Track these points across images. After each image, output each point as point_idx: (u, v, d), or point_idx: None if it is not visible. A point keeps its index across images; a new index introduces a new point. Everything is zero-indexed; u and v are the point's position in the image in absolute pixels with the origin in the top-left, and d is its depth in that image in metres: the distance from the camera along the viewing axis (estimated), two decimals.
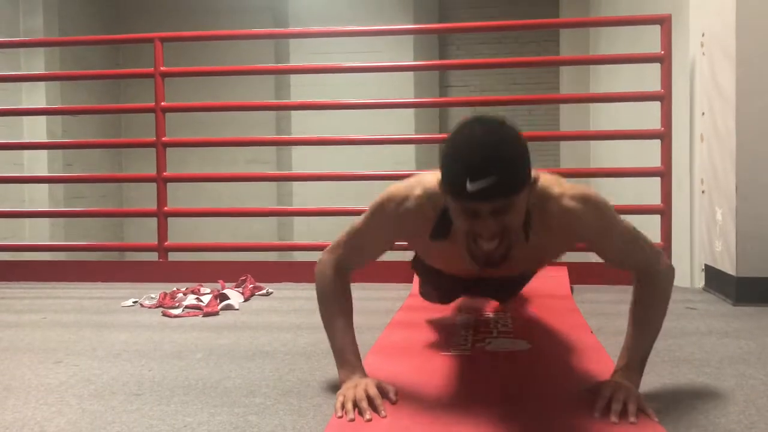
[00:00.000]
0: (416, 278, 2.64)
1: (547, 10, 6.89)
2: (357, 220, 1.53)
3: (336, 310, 1.49)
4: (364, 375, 1.42)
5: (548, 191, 1.41)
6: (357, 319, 1.51)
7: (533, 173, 1.32)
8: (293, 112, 7.22)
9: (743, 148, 2.48)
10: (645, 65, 3.49)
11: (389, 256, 3.08)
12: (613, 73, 4.98)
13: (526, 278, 1.96)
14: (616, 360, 1.43)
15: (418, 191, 1.44)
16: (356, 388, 1.35)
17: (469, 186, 1.21)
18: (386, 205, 1.47)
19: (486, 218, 1.26)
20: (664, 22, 3.04)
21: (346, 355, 1.45)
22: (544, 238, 1.44)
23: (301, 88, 6.99)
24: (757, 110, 2.47)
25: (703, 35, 2.90)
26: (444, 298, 2.08)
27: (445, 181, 1.28)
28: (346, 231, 1.54)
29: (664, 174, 3.04)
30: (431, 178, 1.42)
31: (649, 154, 3.28)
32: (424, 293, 2.15)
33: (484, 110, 8.00)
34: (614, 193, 4.88)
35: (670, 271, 1.48)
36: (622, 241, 1.45)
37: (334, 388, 1.46)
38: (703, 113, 2.90)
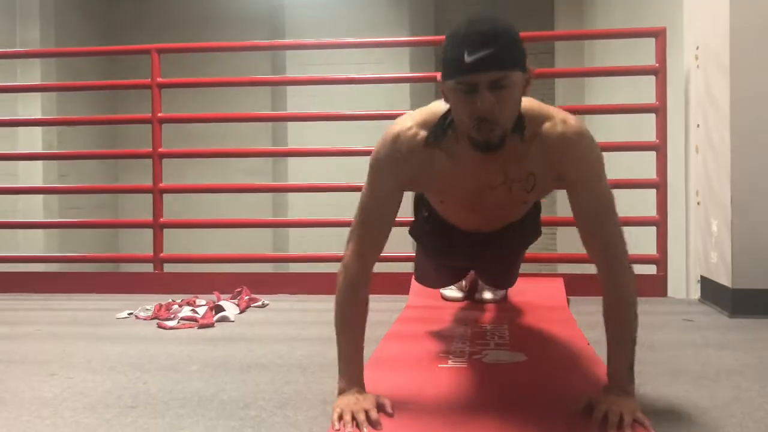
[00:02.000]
0: (413, 288, 2.65)
1: (542, 22, 6.93)
2: (362, 191, 1.54)
3: (349, 319, 1.47)
4: (362, 388, 1.41)
5: (549, 113, 1.47)
6: None
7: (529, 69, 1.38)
8: (289, 124, 7.23)
9: (738, 160, 2.49)
10: (640, 77, 3.51)
11: (384, 267, 3.08)
12: (608, 85, 5.01)
13: (525, 234, 1.93)
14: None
15: (406, 124, 1.50)
16: (355, 404, 1.34)
17: (467, 58, 1.28)
18: (383, 150, 1.50)
19: (483, 92, 1.31)
20: (658, 34, 3.06)
21: (349, 366, 1.44)
22: (538, 162, 1.47)
23: (297, 99, 7.00)
24: (751, 122, 2.49)
25: (697, 48, 2.92)
26: (441, 276, 2.08)
27: (444, 64, 1.36)
28: (357, 209, 1.53)
29: (660, 186, 3.05)
30: (414, 112, 1.53)
31: (644, 165, 3.29)
32: (421, 276, 2.15)
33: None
34: None
35: (632, 270, 1.48)
36: (599, 201, 1.45)
37: (331, 400, 1.46)
38: (698, 125, 2.92)
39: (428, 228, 1.90)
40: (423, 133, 1.48)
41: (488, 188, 1.54)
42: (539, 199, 1.73)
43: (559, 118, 1.46)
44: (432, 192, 1.70)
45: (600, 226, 1.46)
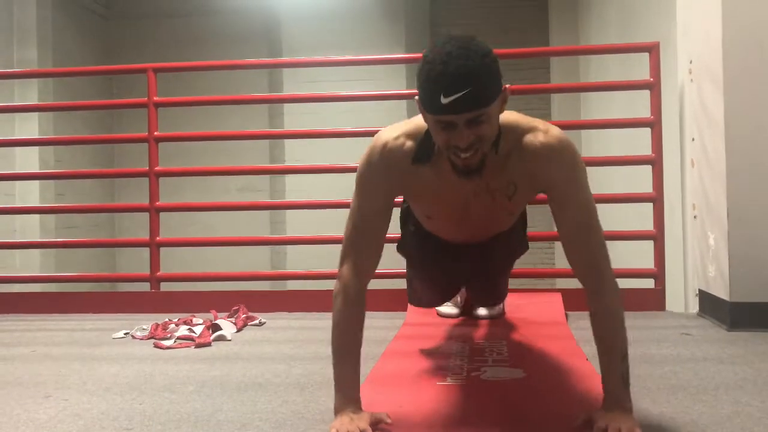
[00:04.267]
0: (410, 306, 2.64)
1: (538, 37, 6.98)
2: (351, 207, 1.54)
3: (347, 340, 1.48)
4: (358, 408, 1.40)
5: (531, 125, 1.48)
6: None
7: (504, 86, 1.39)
8: (287, 141, 7.25)
9: (733, 173, 2.50)
10: (635, 92, 3.52)
11: (382, 284, 3.06)
12: (603, 99, 5.03)
13: (512, 246, 1.96)
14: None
15: (393, 133, 1.52)
16: (350, 423, 1.34)
17: (443, 100, 1.29)
18: (372, 156, 1.51)
19: (461, 129, 1.33)
20: (652, 49, 3.08)
21: (346, 385, 1.43)
22: (518, 172, 1.49)
23: (294, 117, 7.03)
24: (745, 135, 2.50)
25: (691, 62, 2.93)
26: (433, 293, 2.13)
27: (421, 96, 1.36)
28: (347, 225, 1.54)
29: (656, 199, 3.05)
30: (401, 123, 1.54)
31: (640, 180, 3.30)
32: (414, 297, 2.20)
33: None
34: (607, 219, 4.91)
35: (617, 284, 1.47)
36: (583, 212, 1.46)
37: (328, 420, 1.44)
38: (693, 139, 2.93)
39: (415, 242, 1.92)
40: (410, 144, 1.50)
41: (472, 198, 1.56)
42: (523, 207, 1.76)
43: (541, 129, 1.48)
44: (418, 203, 1.71)
45: (584, 236, 1.46)
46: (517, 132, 1.47)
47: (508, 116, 1.47)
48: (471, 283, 2.18)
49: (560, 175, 1.46)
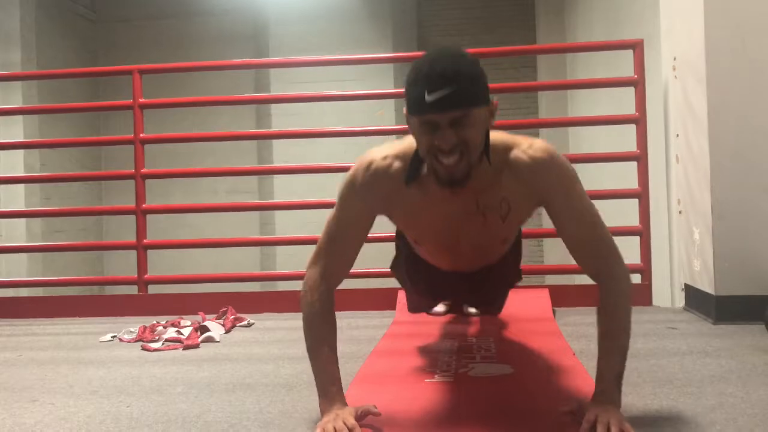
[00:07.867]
0: (399, 304, 2.65)
1: (524, 35, 7.00)
2: (330, 215, 1.53)
3: (320, 336, 1.47)
4: (344, 405, 1.40)
5: (515, 141, 1.49)
6: (340, 347, 1.50)
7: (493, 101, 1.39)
8: (275, 141, 7.24)
9: (717, 169, 2.52)
10: (621, 89, 3.55)
11: (371, 283, 3.06)
12: (590, 97, 5.06)
13: (505, 277, 1.93)
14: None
15: (381, 153, 1.50)
16: (335, 420, 1.34)
17: (428, 97, 1.29)
18: (356, 176, 1.50)
19: (444, 130, 1.32)
20: (636, 46, 3.10)
21: (327, 385, 1.43)
22: (511, 189, 1.48)
23: (282, 117, 7.01)
24: (728, 131, 2.52)
25: (674, 59, 2.96)
26: (429, 298, 2.11)
27: (407, 99, 1.36)
28: (323, 232, 1.53)
29: (642, 195, 3.07)
30: (390, 144, 1.53)
31: (626, 176, 3.32)
32: (411, 305, 2.18)
33: None
34: None
35: (628, 273, 1.46)
36: (586, 220, 1.46)
37: (317, 419, 1.44)
38: (677, 135, 2.95)
39: (407, 267, 1.89)
40: (397, 165, 1.48)
41: (462, 220, 1.53)
42: (516, 232, 1.72)
43: (525, 144, 1.48)
44: (405, 227, 1.69)
45: (592, 244, 1.46)
46: (503, 151, 1.47)
47: (492, 135, 1.46)
48: (466, 300, 2.20)
49: (556, 189, 1.46)
